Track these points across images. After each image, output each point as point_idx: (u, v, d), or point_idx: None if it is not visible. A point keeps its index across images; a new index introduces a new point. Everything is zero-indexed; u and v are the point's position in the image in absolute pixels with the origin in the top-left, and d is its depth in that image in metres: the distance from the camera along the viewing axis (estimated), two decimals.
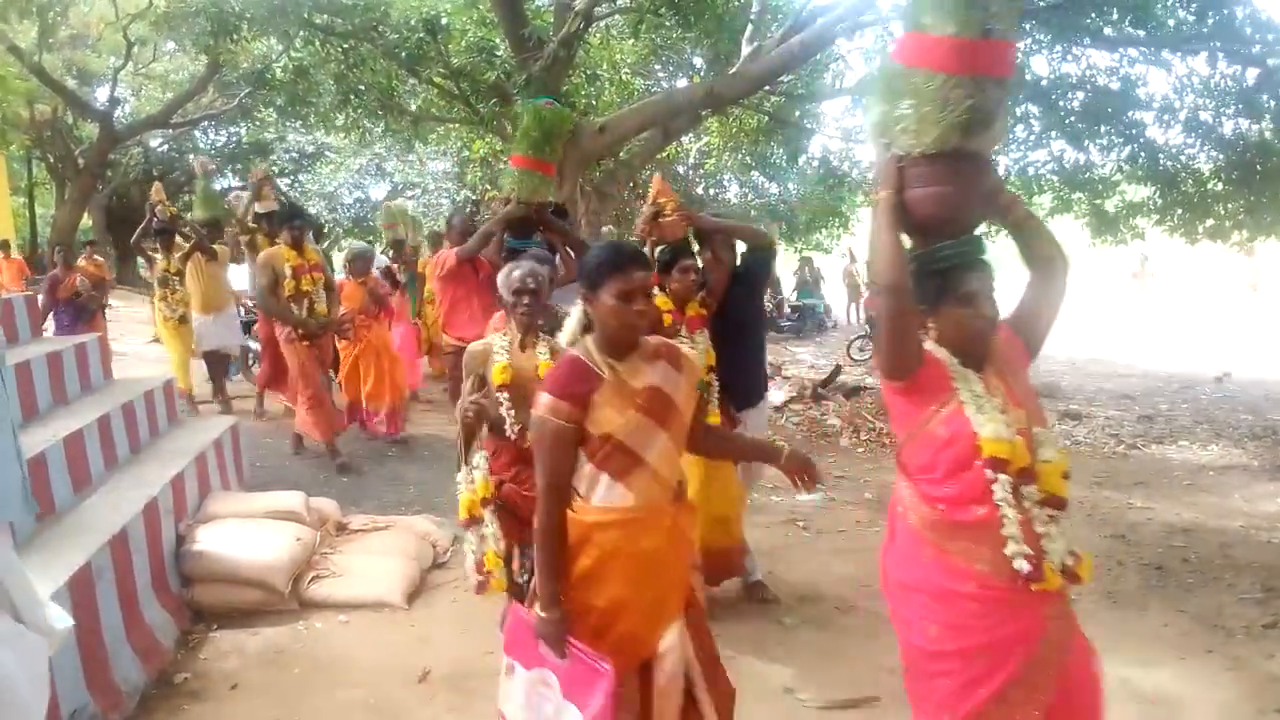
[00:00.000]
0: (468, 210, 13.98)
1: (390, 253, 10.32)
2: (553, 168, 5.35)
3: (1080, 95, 9.82)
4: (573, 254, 5.42)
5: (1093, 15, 8.70)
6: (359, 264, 7.42)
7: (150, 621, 3.68)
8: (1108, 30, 8.97)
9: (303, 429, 6.71)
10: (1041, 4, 8.42)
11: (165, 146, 24.38)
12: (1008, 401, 2.16)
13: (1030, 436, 2.15)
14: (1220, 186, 9.64)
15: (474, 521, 3.36)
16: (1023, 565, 2.06)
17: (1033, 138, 10.22)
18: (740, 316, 4.15)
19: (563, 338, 2.40)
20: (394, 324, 8.48)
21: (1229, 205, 9.70)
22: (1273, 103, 8.66)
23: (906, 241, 2.23)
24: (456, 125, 13.17)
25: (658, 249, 4.08)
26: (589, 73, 12.12)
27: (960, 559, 2.14)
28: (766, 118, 12.99)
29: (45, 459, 3.62)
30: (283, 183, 20.13)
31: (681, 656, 2.30)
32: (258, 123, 21.04)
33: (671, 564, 2.32)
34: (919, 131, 2.11)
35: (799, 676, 3.59)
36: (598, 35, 12.05)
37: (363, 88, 10.41)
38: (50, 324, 8.69)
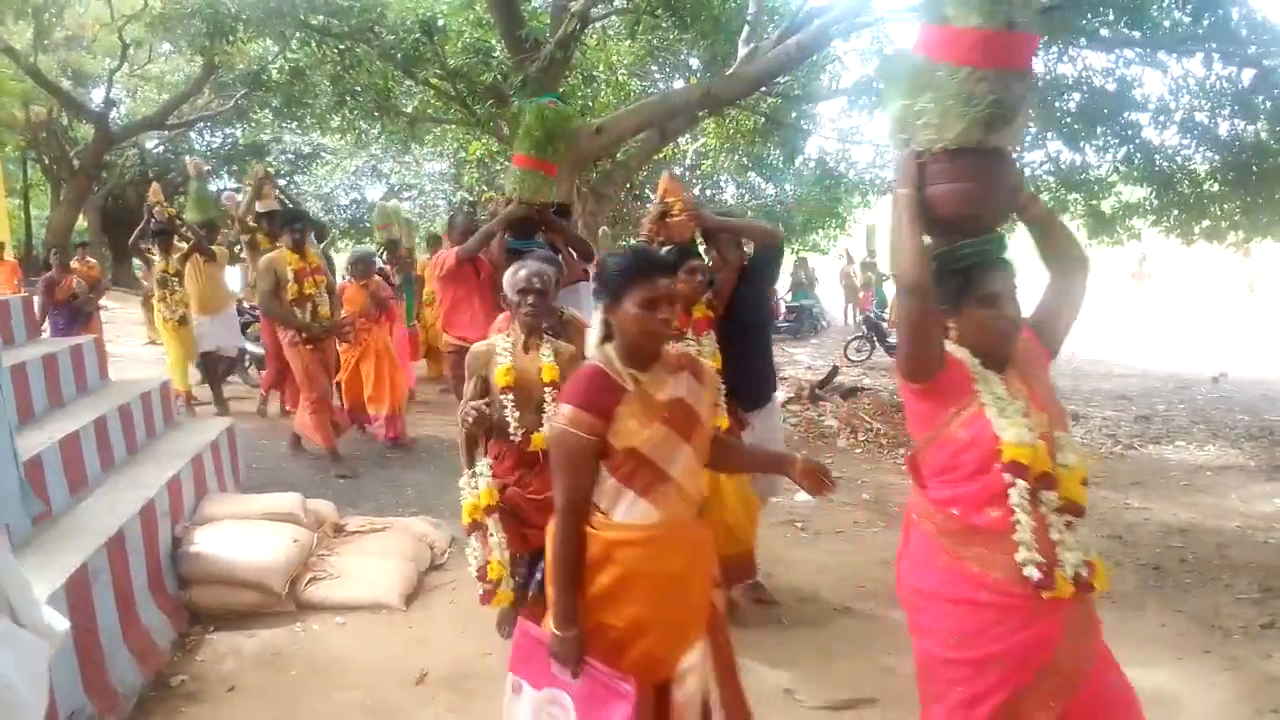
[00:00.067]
0: (467, 211, 13.98)
1: (384, 254, 10.29)
2: (555, 168, 5.29)
3: (1076, 96, 9.84)
4: (575, 254, 5.41)
5: (1089, 16, 8.70)
6: (361, 267, 7.41)
7: (147, 623, 3.67)
8: (1104, 31, 8.97)
9: (303, 430, 6.69)
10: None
11: (161, 148, 24.34)
12: (1030, 404, 2.11)
13: (1052, 440, 2.10)
14: (1216, 187, 9.66)
15: (476, 527, 3.35)
16: (1033, 573, 2.02)
17: (1029, 138, 10.22)
18: (747, 317, 4.08)
19: (588, 349, 2.32)
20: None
21: (1225, 206, 9.72)
22: (1268, 104, 8.68)
23: (926, 240, 2.17)
24: (453, 126, 13.15)
25: (664, 249, 4.05)
26: (585, 74, 12.10)
27: (974, 565, 2.09)
28: (763, 119, 12.99)
29: (41, 461, 3.61)
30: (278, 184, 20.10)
31: (702, 676, 2.23)
32: (254, 124, 20.99)
33: (695, 582, 2.25)
34: (941, 126, 2.05)
35: (797, 677, 3.59)
36: (594, 36, 12.03)
37: (359, 89, 10.38)
38: (46, 326, 8.68)
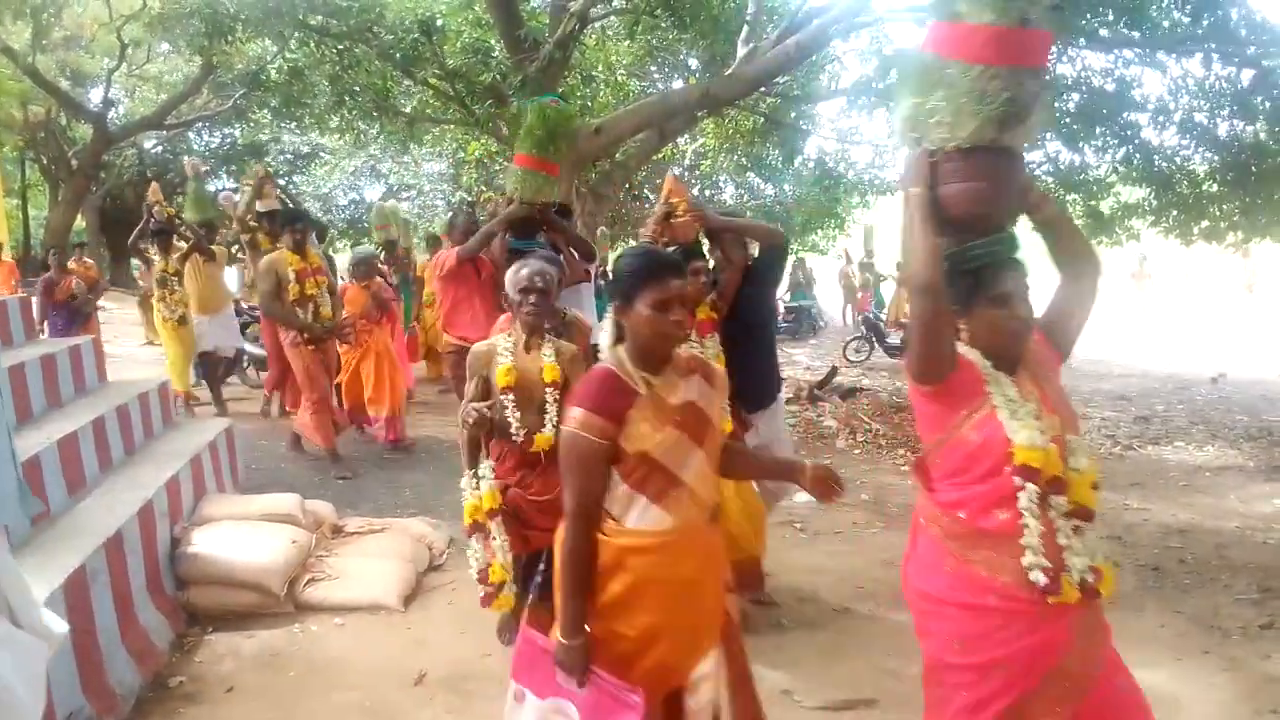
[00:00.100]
0: (467, 211, 13.99)
1: (382, 254, 10.28)
2: (557, 167, 5.27)
3: (1075, 96, 9.83)
4: (577, 254, 5.40)
5: (1088, 16, 8.70)
6: (363, 268, 7.40)
7: (145, 624, 3.66)
8: (1103, 31, 8.96)
9: (303, 431, 6.68)
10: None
11: (160, 148, 24.33)
12: (1041, 406, 2.08)
13: (1063, 444, 2.07)
14: (1215, 188, 9.64)
15: (477, 528, 3.34)
16: (1039, 577, 2.00)
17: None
18: (751, 317, 4.05)
19: (601, 351, 2.28)
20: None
21: (1224, 207, 9.70)
22: (1267, 104, 8.67)
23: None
24: (452, 127, 13.14)
25: (668, 250, 4.03)
26: (584, 74, 12.09)
27: (982, 569, 2.07)
28: (762, 119, 12.98)
29: (40, 461, 3.60)
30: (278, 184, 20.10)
31: (715, 685, 2.19)
32: (252, 124, 20.99)
33: (709, 588, 2.22)
34: (954, 125, 2.03)
35: (797, 678, 3.58)
36: (593, 37, 12.02)
37: (358, 89, 10.38)
38: (44, 326, 8.67)
